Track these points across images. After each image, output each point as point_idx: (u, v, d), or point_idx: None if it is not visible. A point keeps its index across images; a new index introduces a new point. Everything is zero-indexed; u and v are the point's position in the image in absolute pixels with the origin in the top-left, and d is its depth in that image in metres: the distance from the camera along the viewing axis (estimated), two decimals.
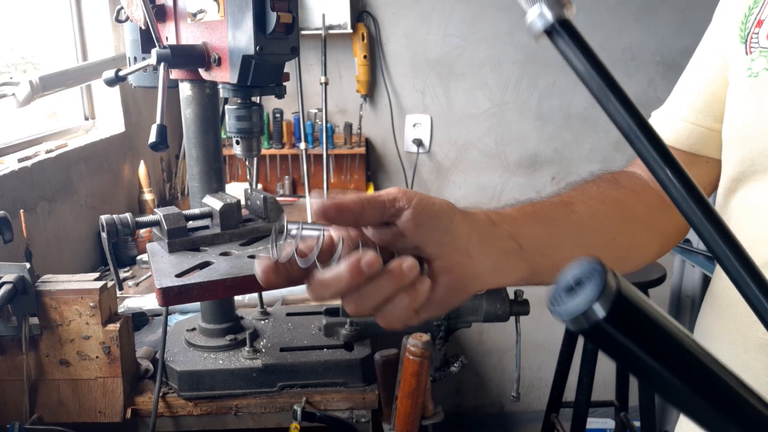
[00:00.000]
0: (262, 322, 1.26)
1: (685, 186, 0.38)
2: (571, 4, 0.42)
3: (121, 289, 1.13)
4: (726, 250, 0.36)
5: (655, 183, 0.76)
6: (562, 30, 0.42)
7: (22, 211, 1.16)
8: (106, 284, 1.07)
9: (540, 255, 0.62)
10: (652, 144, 0.39)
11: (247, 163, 1.23)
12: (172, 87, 1.06)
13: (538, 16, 0.41)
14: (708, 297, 0.79)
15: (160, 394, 1.11)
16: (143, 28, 1.10)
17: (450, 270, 0.54)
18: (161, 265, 1.00)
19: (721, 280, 0.75)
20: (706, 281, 2.36)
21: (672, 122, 0.79)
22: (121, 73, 1.08)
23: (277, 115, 2.53)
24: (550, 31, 0.42)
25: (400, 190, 0.51)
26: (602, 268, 0.31)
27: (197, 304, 1.29)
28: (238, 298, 1.41)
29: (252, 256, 1.04)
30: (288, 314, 1.30)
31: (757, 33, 0.66)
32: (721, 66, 0.74)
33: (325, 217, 0.49)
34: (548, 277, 0.64)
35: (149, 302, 1.44)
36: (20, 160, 1.44)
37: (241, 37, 0.93)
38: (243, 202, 1.16)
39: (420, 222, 0.51)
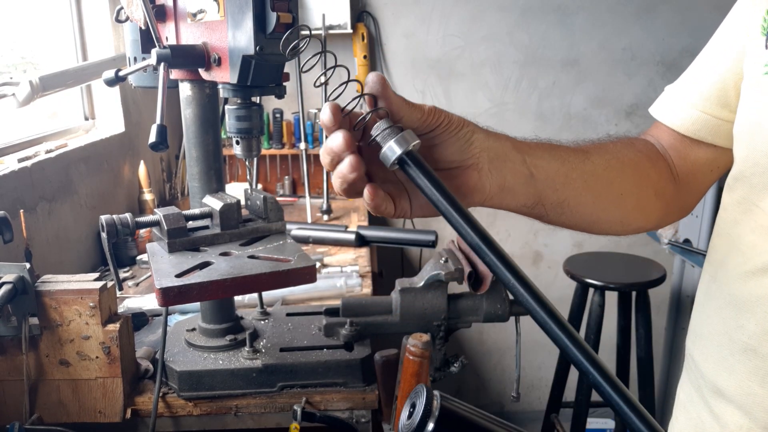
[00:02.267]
0: (262, 322, 1.25)
1: (526, 288, 0.50)
2: (416, 140, 0.53)
3: (121, 289, 1.13)
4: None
5: (668, 153, 0.79)
6: (409, 161, 0.52)
7: (22, 211, 1.15)
8: (106, 284, 1.07)
9: (548, 188, 0.66)
10: (494, 253, 0.50)
11: (247, 163, 1.23)
12: (172, 87, 1.06)
13: (388, 149, 0.52)
14: (698, 298, 0.79)
15: (160, 394, 1.11)
16: (143, 28, 1.10)
17: (456, 176, 0.60)
18: (161, 265, 1.00)
19: (715, 282, 0.74)
20: None
21: (681, 107, 0.79)
22: (121, 73, 1.08)
23: (277, 115, 2.53)
24: (401, 163, 0.53)
25: (432, 108, 0.58)
26: (427, 391, 0.43)
27: (197, 304, 1.29)
28: (238, 298, 1.41)
29: (252, 256, 1.04)
30: (288, 314, 1.30)
31: None
32: (736, 56, 0.73)
33: (372, 93, 0.59)
34: (551, 211, 0.68)
35: (149, 302, 1.45)
36: (20, 160, 1.44)
37: (241, 37, 0.93)
38: (243, 202, 1.16)
39: (445, 136, 0.59)
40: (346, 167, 0.54)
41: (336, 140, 0.55)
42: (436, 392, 0.44)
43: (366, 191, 0.56)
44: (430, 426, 0.42)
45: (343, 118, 0.57)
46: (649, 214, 0.79)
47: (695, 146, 0.78)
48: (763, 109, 0.65)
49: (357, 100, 0.59)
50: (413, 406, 0.44)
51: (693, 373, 0.79)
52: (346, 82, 0.59)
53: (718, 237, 0.75)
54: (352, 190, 0.56)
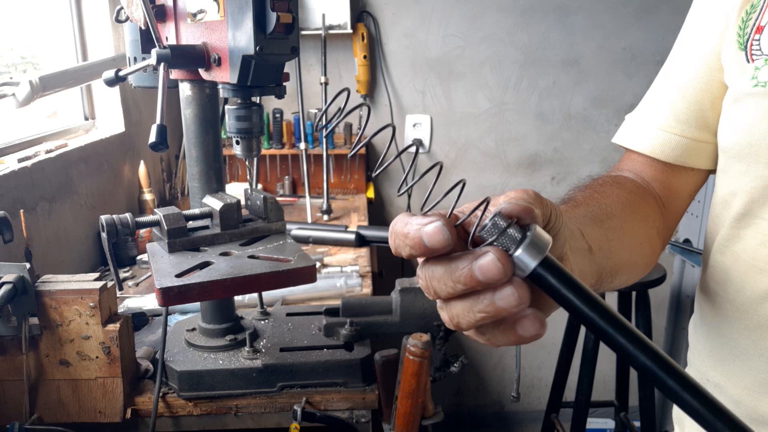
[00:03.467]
0: (262, 322, 1.26)
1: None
2: (549, 241, 0.40)
3: (121, 289, 1.13)
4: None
5: (650, 186, 0.75)
6: (545, 271, 0.40)
7: (22, 211, 1.15)
8: (106, 284, 1.07)
9: (602, 256, 0.59)
10: (676, 380, 0.39)
11: (247, 163, 1.23)
12: (172, 87, 1.06)
13: (523, 261, 0.40)
14: (703, 319, 0.76)
15: (160, 394, 1.11)
16: (143, 28, 1.10)
17: None
18: (161, 265, 1.00)
19: (732, 303, 0.70)
20: None
21: (653, 132, 0.76)
22: (121, 73, 1.08)
23: (277, 115, 2.53)
24: (536, 277, 0.40)
25: (535, 202, 0.44)
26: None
27: (197, 304, 1.29)
28: (238, 298, 1.41)
29: (252, 256, 1.04)
30: (288, 314, 1.30)
31: (758, 40, 0.64)
32: (708, 74, 0.71)
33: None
34: (607, 282, 0.61)
35: (149, 302, 1.45)
36: (20, 160, 1.44)
37: (241, 37, 0.93)
38: (243, 202, 1.16)
39: (553, 231, 0.46)
40: (512, 298, 0.40)
41: (488, 264, 0.39)
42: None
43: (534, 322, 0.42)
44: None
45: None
46: (656, 253, 0.76)
47: (676, 172, 0.76)
48: (763, 120, 0.63)
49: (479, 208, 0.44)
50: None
51: (722, 399, 0.72)
52: (383, 129, 0.46)
53: (719, 255, 0.71)
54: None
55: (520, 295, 0.39)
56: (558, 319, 2.77)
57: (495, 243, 0.40)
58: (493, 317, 0.41)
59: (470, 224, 0.42)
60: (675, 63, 0.76)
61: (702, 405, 0.38)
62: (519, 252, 0.40)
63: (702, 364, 0.76)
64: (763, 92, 0.62)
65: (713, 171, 0.77)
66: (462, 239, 0.42)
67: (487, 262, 0.39)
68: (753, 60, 0.63)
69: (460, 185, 0.44)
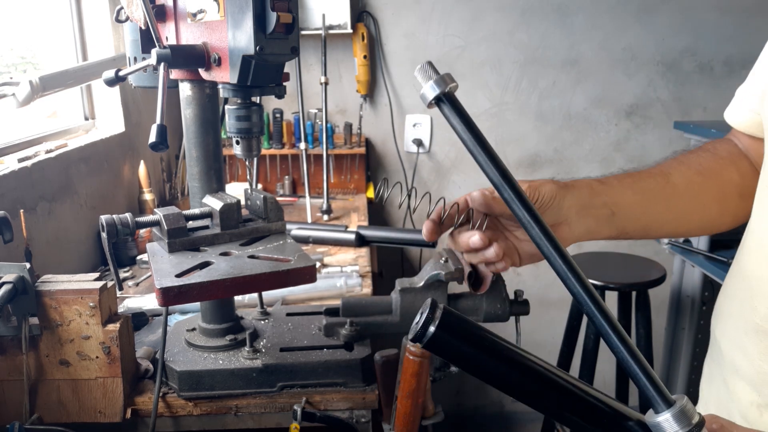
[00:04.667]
0: (262, 322, 1.25)
1: (540, 227, 0.54)
2: (454, 82, 0.58)
3: (121, 289, 1.13)
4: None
5: (748, 152, 0.85)
6: (446, 101, 0.59)
7: (22, 211, 1.15)
8: (106, 284, 1.07)
9: (629, 220, 0.75)
10: (515, 193, 0.56)
11: (247, 163, 1.23)
12: (172, 87, 1.06)
13: (429, 90, 0.58)
14: (727, 278, 0.83)
15: (160, 394, 1.11)
16: (143, 28, 1.10)
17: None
18: (161, 265, 1.00)
19: (737, 263, 0.79)
20: (706, 281, 2.36)
21: (740, 110, 0.85)
22: (121, 73, 1.08)
23: (277, 115, 2.53)
24: (438, 101, 0.59)
25: (529, 186, 0.70)
26: (434, 304, 0.50)
27: (197, 304, 1.29)
28: (238, 298, 1.41)
29: (252, 256, 1.04)
30: (288, 314, 1.30)
31: None
32: None
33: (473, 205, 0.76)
34: (636, 235, 0.78)
35: (149, 302, 1.45)
36: (20, 160, 1.44)
37: (241, 37, 0.93)
38: (243, 202, 1.16)
39: (544, 209, 0.69)
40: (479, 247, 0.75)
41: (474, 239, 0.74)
42: (442, 304, 0.50)
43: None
44: (431, 329, 0.48)
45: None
46: (737, 214, 0.84)
47: (761, 143, 0.81)
48: None
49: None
50: (420, 314, 0.50)
51: (714, 350, 0.84)
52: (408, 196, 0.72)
53: (750, 224, 0.79)
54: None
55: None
56: (558, 319, 2.76)
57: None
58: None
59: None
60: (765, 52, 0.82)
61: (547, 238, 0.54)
62: (430, 83, 0.60)
63: (713, 318, 0.85)
64: None
65: None
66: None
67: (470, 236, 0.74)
68: None
69: (441, 201, 0.76)
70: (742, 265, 0.76)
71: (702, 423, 0.47)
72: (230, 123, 1.05)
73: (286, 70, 1.03)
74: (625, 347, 0.49)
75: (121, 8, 1.11)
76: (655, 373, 0.49)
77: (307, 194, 2.29)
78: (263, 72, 0.97)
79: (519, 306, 1.12)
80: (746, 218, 0.84)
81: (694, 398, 0.80)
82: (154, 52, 0.98)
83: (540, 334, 2.98)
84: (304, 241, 1.95)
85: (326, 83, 2.40)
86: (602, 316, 0.50)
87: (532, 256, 0.75)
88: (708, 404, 0.85)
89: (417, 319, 0.49)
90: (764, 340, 0.69)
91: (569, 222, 0.71)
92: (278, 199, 1.77)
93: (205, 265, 1.00)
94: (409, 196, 0.72)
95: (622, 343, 0.49)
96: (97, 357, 1.07)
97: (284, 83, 1.04)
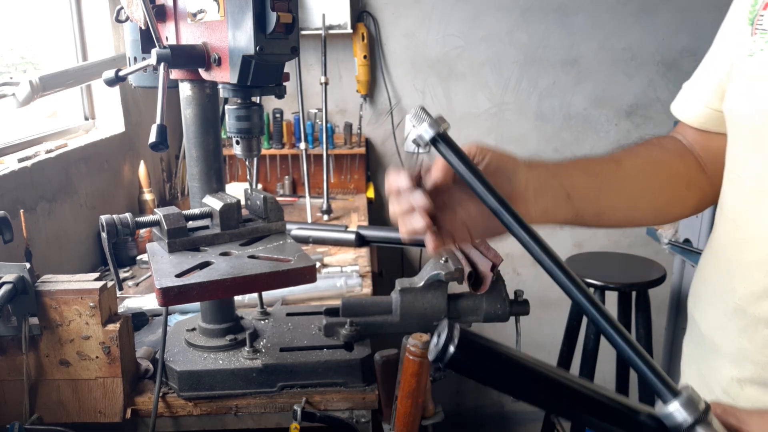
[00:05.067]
0: (262, 322, 1.25)
1: (535, 242, 0.57)
2: (446, 123, 0.61)
3: (121, 289, 1.13)
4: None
5: (693, 147, 0.88)
6: (441, 140, 0.61)
7: (22, 211, 1.15)
8: (106, 284, 1.07)
9: (584, 203, 0.76)
10: (514, 218, 0.59)
11: (247, 163, 1.23)
12: (172, 87, 1.06)
13: (424, 131, 0.60)
14: (699, 264, 0.87)
15: (160, 394, 1.11)
16: (143, 28, 1.10)
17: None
18: (161, 265, 1.00)
19: (711, 248, 0.82)
20: None
21: (691, 104, 0.88)
22: (121, 73, 1.08)
23: (277, 115, 2.53)
24: (434, 142, 0.61)
25: (477, 147, 0.67)
26: (451, 325, 0.50)
27: (197, 304, 1.29)
28: (238, 298, 1.41)
29: (252, 256, 1.04)
30: (288, 314, 1.30)
31: (763, 15, 0.71)
32: (732, 51, 0.78)
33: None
34: (590, 220, 0.79)
35: (149, 302, 1.44)
36: (20, 160, 1.44)
37: (241, 37, 0.93)
38: (243, 202, 1.16)
39: (488, 172, 0.65)
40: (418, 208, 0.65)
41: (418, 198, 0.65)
42: (457, 324, 0.51)
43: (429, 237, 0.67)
44: (451, 349, 0.49)
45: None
46: (685, 204, 0.87)
47: (711, 137, 0.85)
48: (747, 85, 0.72)
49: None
50: (437, 335, 0.50)
51: (693, 331, 0.87)
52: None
53: (718, 207, 0.82)
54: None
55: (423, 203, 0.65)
56: (558, 319, 2.76)
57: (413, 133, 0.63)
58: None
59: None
60: (716, 39, 0.85)
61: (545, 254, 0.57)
62: (424, 126, 0.61)
63: (689, 302, 0.89)
64: (751, 62, 0.71)
65: None
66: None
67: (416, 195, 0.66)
68: (755, 33, 0.72)
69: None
70: (717, 251, 0.80)
71: (708, 408, 0.51)
72: (230, 123, 1.05)
73: (286, 70, 1.03)
74: (628, 344, 0.52)
75: (121, 8, 1.11)
76: (658, 366, 0.52)
77: (307, 194, 2.29)
78: (263, 72, 0.97)
79: (519, 306, 1.12)
80: (694, 210, 0.88)
81: None
82: (154, 52, 0.98)
83: (540, 334, 2.98)
84: (304, 241, 1.95)
85: (326, 83, 2.40)
86: (601, 316, 0.53)
87: (486, 231, 0.72)
88: (690, 383, 0.87)
89: (435, 340, 0.51)
90: (743, 319, 0.73)
91: (526, 200, 0.70)
92: (278, 199, 1.77)
93: (205, 265, 1.00)
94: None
95: (624, 340, 0.52)
96: (97, 357, 1.07)
97: (284, 83, 1.04)
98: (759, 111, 0.69)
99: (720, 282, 0.78)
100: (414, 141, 0.62)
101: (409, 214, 0.66)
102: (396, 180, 0.67)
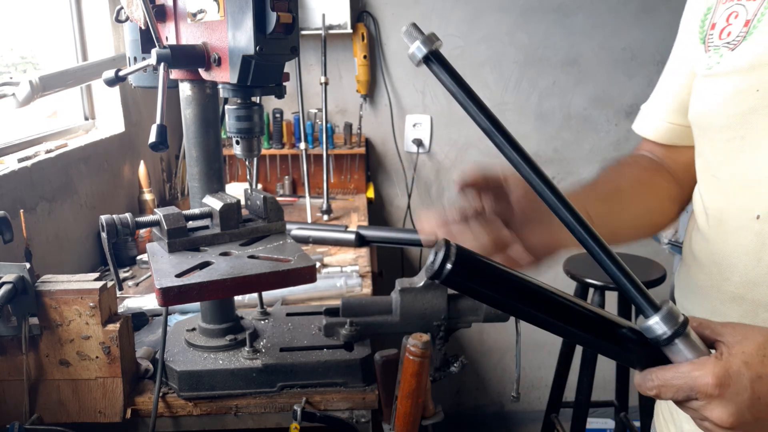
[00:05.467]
0: (262, 322, 1.25)
1: (532, 169, 0.59)
2: (439, 41, 0.58)
3: (121, 289, 1.13)
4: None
5: (663, 162, 0.93)
6: (434, 59, 0.59)
7: (22, 211, 1.15)
8: (106, 284, 1.07)
9: (603, 225, 0.77)
10: (507, 139, 0.60)
11: (247, 163, 1.23)
12: (172, 87, 1.06)
13: (417, 49, 0.58)
14: (685, 258, 0.91)
15: (160, 394, 1.11)
16: (143, 28, 1.10)
17: (547, 241, 0.74)
18: (161, 265, 1.00)
19: (694, 243, 0.86)
20: None
21: (654, 121, 0.95)
22: (121, 73, 1.08)
23: (277, 115, 2.53)
24: (426, 60, 0.58)
25: (510, 177, 0.74)
26: (448, 243, 0.52)
27: (197, 304, 1.29)
28: (238, 298, 1.41)
29: (252, 256, 1.04)
30: (288, 314, 1.30)
31: (712, 34, 0.78)
32: (689, 68, 0.85)
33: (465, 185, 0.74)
34: (610, 240, 0.80)
35: (149, 302, 1.44)
36: (20, 160, 1.44)
37: (241, 37, 0.93)
38: (243, 202, 1.16)
39: (526, 218, 0.72)
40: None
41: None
42: (454, 243, 0.52)
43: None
44: (448, 266, 0.51)
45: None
46: (670, 216, 0.94)
47: (679, 150, 0.91)
48: (705, 99, 0.79)
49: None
50: (435, 254, 0.52)
51: None
52: None
53: (696, 205, 0.87)
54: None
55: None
56: None
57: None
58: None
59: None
60: (671, 59, 0.94)
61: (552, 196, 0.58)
62: (417, 42, 0.58)
63: (677, 295, 0.95)
64: (709, 75, 0.77)
65: None
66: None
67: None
68: (708, 50, 0.78)
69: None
70: (703, 245, 0.83)
71: (686, 322, 0.55)
72: (230, 123, 1.05)
73: (286, 70, 1.03)
74: (613, 262, 0.57)
75: (121, 8, 1.11)
76: (641, 283, 0.56)
77: (307, 194, 2.29)
78: (263, 72, 0.97)
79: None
80: (675, 218, 0.95)
81: None
82: (154, 52, 0.98)
83: (540, 334, 2.95)
84: (304, 241, 1.95)
85: (326, 83, 2.40)
86: (589, 236, 0.58)
87: (537, 248, 0.75)
88: None
89: (431, 258, 0.52)
90: (742, 305, 0.75)
91: (560, 229, 0.71)
92: (278, 199, 1.77)
93: (205, 265, 1.00)
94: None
95: (610, 259, 0.57)
96: (97, 357, 1.07)
97: (284, 83, 1.04)
98: (726, 117, 0.74)
99: (711, 273, 0.80)
100: (410, 57, 0.60)
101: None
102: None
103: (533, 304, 0.55)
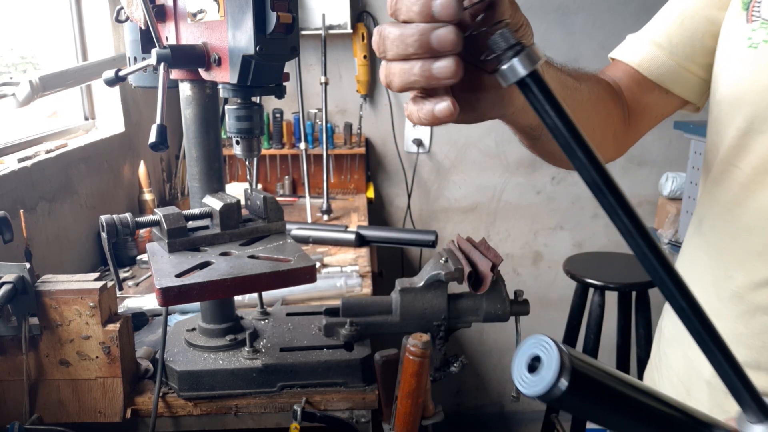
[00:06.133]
0: (262, 322, 1.25)
1: (647, 244, 0.41)
2: (543, 56, 0.45)
3: (121, 289, 1.13)
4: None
5: (623, 94, 0.80)
6: (534, 83, 0.43)
7: (22, 211, 1.15)
8: (106, 284, 1.07)
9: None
10: (616, 198, 0.41)
11: (247, 163, 1.23)
12: (172, 87, 1.06)
13: (509, 69, 0.44)
14: (684, 250, 0.85)
15: (160, 394, 1.11)
16: (143, 28, 1.10)
17: (496, 85, 0.50)
18: (161, 265, 1.00)
19: (703, 235, 0.79)
20: None
21: (645, 47, 0.80)
22: (121, 73, 1.08)
23: (277, 115, 2.53)
24: (522, 84, 0.44)
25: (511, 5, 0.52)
26: (557, 347, 0.36)
27: (197, 304, 1.29)
28: (238, 298, 1.41)
29: (252, 256, 1.04)
30: (288, 314, 1.30)
31: (760, 3, 0.69)
32: (711, 8, 0.75)
33: None
34: (546, 134, 0.66)
35: (149, 302, 1.45)
36: (20, 160, 1.44)
37: (241, 37, 0.93)
38: (243, 202, 1.16)
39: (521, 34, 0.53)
40: (448, 69, 0.45)
41: (448, 36, 0.44)
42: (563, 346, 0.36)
43: (449, 104, 0.47)
44: (563, 383, 0.35)
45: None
46: (605, 154, 0.80)
47: (651, 90, 0.80)
48: (751, 78, 0.69)
49: None
50: (537, 359, 0.36)
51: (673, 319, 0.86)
52: None
53: (703, 196, 0.79)
54: (432, 95, 0.48)
55: (456, 68, 0.44)
56: (558, 319, 2.76)
57: (496, 48, 0.45)
58: (425, 84, 0.46)
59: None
60: (680, 3, 0.81)
61: (645, 244, 0.41)
62: (515, 60, 0.43)
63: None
64: (754, 54, 0.68)
65: (687, 104, 0.82)
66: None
67: (445, 32, 0.44)
68: (751, 20, 0.69)
69: None
70: (709, 240, 0.78)
71: None
72: (230, 123, 1.05)
73: (286, 70, 1.03)
74: (719, 347, 0.43)
75: (121, 8, 1.11)
76: (750, 378, 0.43)
77: (307, 194, 2.29)
78: (263, 72, 0.97)
79: (519, 306, 1.12)
80: (612, 158, 0.82)
81: None
82: (154, 52, 0.98)
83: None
84: (304, 241, 1.95)
85: (326, 83, 2.40)
86: (696, 316, 0.43)
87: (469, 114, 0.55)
88: (676, 365, 0.88)
89: (530, 361, 0.37)
90: (740, 306, 0.73)
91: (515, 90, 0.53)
92: (278, 199, 1.77)
93: (205, 265, 1.00)
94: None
95: (715, 343, 0.43)
96: (97, 357, 1.07)
97: (284, 83, 1.04)
98: (763, 100, 0.67)
99: (713, 270, 0.77)
100: (500, 74, 0.44)
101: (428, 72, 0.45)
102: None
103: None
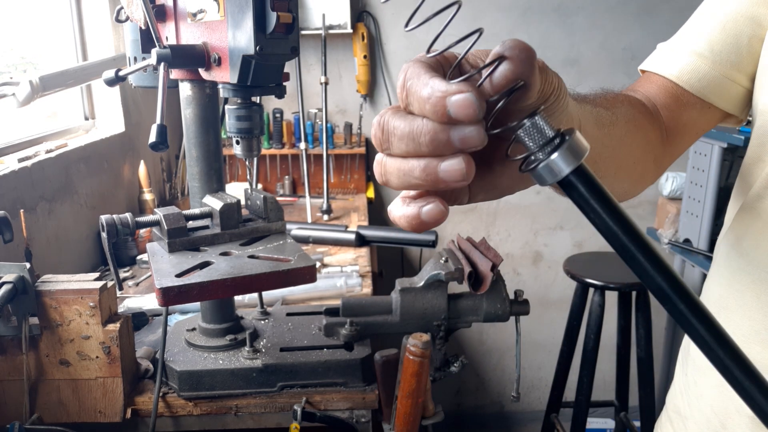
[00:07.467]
0: (262, 322, 1.25)
1: (732, 356, 0.36)
2: (586, 148, 0.36)
3: (121, 289, 1.13)
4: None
5: (659, 113, 0.71)
6: (579, 179, 0.36)
7: (22, 211, 1.15)
8: (106, 284, 1.07)
9: (591, 160, 0.55)
10: (686, 303, 0.35)
11: (247, 163, 1.23)
12: (172, 87, 1.06)
13: (548, 169, 0.36)
14: (717, 273, 0.75)
15: (160, 394, 1.11)
16: (143, 28, 1.10)
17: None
18: (161, 265, 1.00)
19: (746, 257, 0.69)
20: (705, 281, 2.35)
21: (684, 57, 0.70)
22: (121, 73, 1.08)
23: (277, 115, 2.54)
24: (566, 184, 0.36)
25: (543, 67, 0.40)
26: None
27: (197, 304, 1.29)
28: (238, 298, 1.41)
29: (252, 256, 1.04)
30: (288, 314, 1.30)
31: None
32: (757, 6, 0.67)
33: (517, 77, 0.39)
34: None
35: (149, 302, 1.45)
36: (20, 160, 1.44)
37: (241, 37, 0.93)
38: (243, 202, 1.16)
39: (555, 99, 0.42)
40: (458, 172, 0.36)
41: (476, 136, 0.36)
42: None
43: (437, 204, 0.39)
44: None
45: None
46: (646, 181, 0.72)
47: (691, 106, 0.71)
48: None
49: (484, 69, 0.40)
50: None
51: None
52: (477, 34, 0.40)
53: (741, 213, 0.69)
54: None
55: (467, 169, 0.36)
56: (558, 319, 2.75)
57: (528, 142, 0.37)
58: (429, 187, 0.38)
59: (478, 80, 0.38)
60: (721, 7, 0.70)
61: (709, 333, 0.36)
62: (555, 156, 0.36)
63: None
64: None
65: (729, 117, 0.73)
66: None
67: (470, 131, 0.36)
68: None
69: (477, 35, 0.39)
70: (752, 258, 0.68)
71: None
72: (230, 123, 1.05)
73: (286, 70, 1.03)
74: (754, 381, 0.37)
75: (121, 8, 1.11)
76: None
77: (307, 194, 2.29)
78: (263, 72, 0.97)
79: (519, 306, 1.12)
80: (646, 186, 0.74)
81: None
82: (154, 52, 0.98)
83: (540, 334, 2.98)
84: (304, 241, 1.95)
85: (326, 83, 2.40)
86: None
87: (485, 193, 0.45)
88: (708, 394, 0.78)
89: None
90: None
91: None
92: (278, 199, 1.77)
93: (205, 265, 1.00)
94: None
95: (748, 375, 0.37)
96: (97, 357, 1.07)
97: (284, 83, 1.04)
98: None
99: (760, 293, 0.66)
100: (535, 174, 0.37)
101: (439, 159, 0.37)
102: (419, 78, 0.39)
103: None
